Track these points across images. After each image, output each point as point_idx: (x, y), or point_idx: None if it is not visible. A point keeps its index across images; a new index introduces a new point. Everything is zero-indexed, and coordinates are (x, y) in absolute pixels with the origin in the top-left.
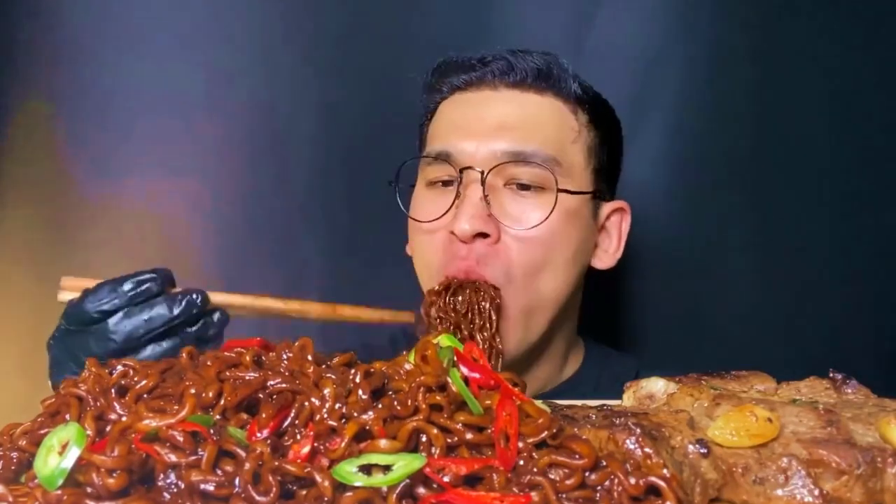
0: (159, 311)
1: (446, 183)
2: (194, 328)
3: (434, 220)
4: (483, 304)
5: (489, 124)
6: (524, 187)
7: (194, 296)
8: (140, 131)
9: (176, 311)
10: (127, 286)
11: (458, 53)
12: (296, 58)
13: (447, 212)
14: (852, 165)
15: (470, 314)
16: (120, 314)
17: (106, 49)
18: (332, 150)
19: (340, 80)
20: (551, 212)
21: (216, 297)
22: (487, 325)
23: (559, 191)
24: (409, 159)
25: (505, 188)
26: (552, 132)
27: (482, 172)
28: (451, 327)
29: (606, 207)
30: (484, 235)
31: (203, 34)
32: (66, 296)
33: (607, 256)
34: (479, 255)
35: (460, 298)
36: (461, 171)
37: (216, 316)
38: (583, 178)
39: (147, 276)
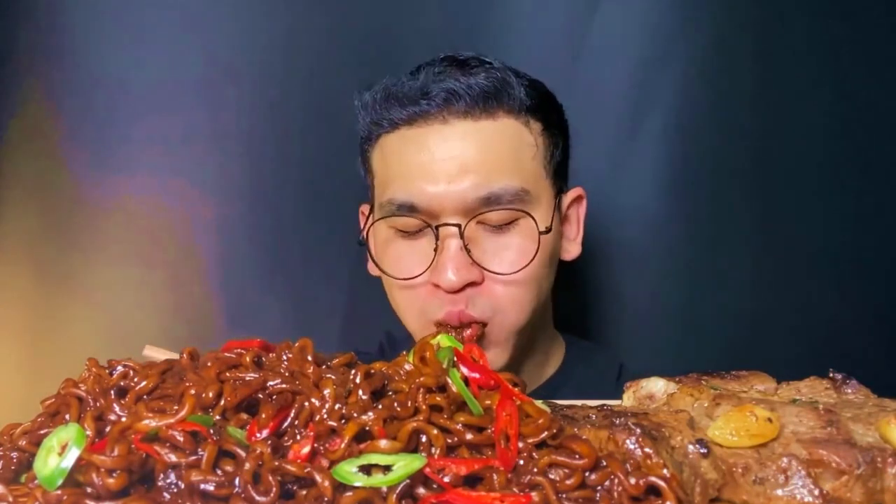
0: None
1: (417, 231)
2: None
3: (415, 277)
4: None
5: (451, 168)
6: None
7: None
8: (141, 131)
9: None
10: None
11: (398, 81)
12: (298, 56)
13: (428, 268)
14: (853, 165)
15: None
16: None
17: (106, 48)
18: (337, 149)
19: (340, 82)
20: (534, 256)
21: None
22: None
23: (541, 233)
24: (372, 222)
25: (478, 226)
26: (513, 159)
27: (459, 226)
28: None
29: (566, 199)
30: (470, 283)
31: (205, 32)
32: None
33: (571, 245)
34: (467, 298)
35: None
36: (437, 227)
37: None
38: (547, 189)
39: None
